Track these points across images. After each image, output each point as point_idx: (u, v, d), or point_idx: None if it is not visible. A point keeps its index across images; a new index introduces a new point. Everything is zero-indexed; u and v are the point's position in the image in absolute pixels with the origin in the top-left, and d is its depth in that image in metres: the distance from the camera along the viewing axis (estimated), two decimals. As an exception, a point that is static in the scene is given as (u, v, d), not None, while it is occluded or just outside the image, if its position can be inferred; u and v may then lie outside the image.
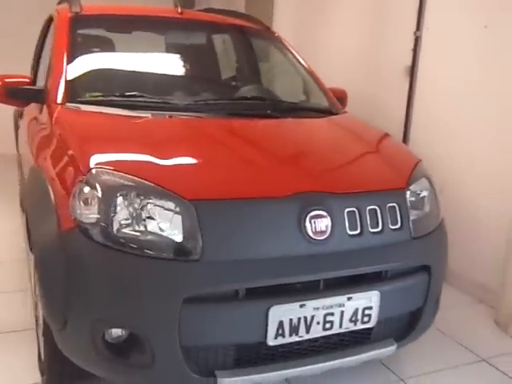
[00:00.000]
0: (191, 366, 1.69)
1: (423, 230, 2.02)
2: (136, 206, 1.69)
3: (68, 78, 2.41)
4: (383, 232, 1.89)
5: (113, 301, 1.66)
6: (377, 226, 1.89)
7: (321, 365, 1.84)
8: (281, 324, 1.71)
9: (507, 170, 2.90)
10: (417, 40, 3.50)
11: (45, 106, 2.44)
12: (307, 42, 3.52)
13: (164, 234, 1.66)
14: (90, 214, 1.70)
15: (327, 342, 1.87)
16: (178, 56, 2.98)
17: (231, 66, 3.12)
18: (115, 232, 1.67)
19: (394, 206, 1.94)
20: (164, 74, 2.79)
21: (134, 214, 1.68)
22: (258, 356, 1.78)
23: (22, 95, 2.51)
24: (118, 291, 1.65)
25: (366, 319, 1.85)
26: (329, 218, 1.80)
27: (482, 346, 2.62)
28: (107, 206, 1.69)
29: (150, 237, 1.66)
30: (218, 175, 1.84)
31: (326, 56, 3.82)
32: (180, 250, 1.65)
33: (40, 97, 2.48)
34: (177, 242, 1.66)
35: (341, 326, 1.82)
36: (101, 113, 2.23)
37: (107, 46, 2.82)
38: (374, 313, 1.86)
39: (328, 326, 1.80)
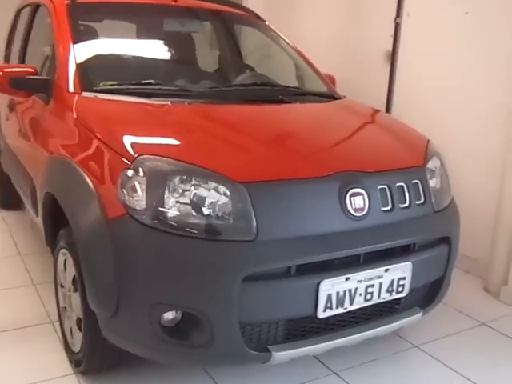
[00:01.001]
0: (247, 342, 1.75)
1: (442, 204, 2.16)
2: (188, 189, 1.72)
3: (79, 67, 2.37)
4: (410, 207, 2.02)
5: (172, 284, 1.69)
6: (404, 202, 2.01)
7: (360, 335, 1.95)
8: (329, 297, 1.80)
9: (491, 150, 3.09)
10: (397, 26, 3.66)
11: (54, 97, 2.40)
12: (284, 28, 3.58)
13: (219, 216, 1.70)
14: (140, 201, 1.72)
15: (364, 313, 1.98)
16: (182, 43, 2.98)
17: (231, 53, 3.16)
18: (168, 216, 1.70)
19: (417, 183, 2.06)
20: (172, 61, 2.80)
21: (187, 198, 1.72)
22: (306, 329, 1.87)
23: (27, 86, 2.46)
24: (177, 274, 1.68)
25: (400, 289, 1.97)
26: (365, 195, 1.90)
27: (479, 312, 2.82)
28: (158, 191, 1.71)
29: (204, 220, 1.70)
30: (260, 157, 1.90)
31: (304, 42, 3.90)
32: (236, 231, 1.70)
33: (46, 87, 2.44)
34: (232, 224, 1.71)
35: (379, 296, 1.93)
36: (123, 101, 2.22)
37: (109, 33, 2.79)
38: (407, 283, 1.98)
39: (368, 297, 1.90)
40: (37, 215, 2.63)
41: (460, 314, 2.81)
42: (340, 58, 4.04)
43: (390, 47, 3.72)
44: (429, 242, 2.07)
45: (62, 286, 2.26)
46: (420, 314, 2.11)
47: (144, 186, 1.73)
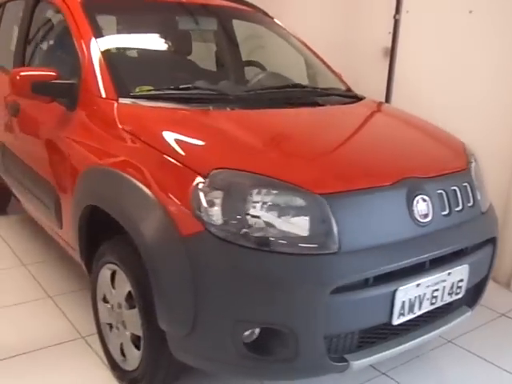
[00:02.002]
0: (328, 354, 1.75)
1: (486, 204, 2.22)
2: (268, 203, 1.68)
3: (110, 71, 2.26)
4: (463, 210, 2.06)
5: (256, 301, 1.66)
6: (458, 205, 2.05)
7: (424, 337, 1.99)
8: (403, 304, 1.82)
9: (496, 148, 3.18)
10: (396, 23, 3.70)
11: (80, 103, 2.28)
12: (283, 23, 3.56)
13: (302, 230, 1.68)
14: (219, 216, 1.67)
15: (424, 316, 2.01)
16: (206, 41, 2.89)
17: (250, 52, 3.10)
18: (250, 231, 1.66)
19: (466, 185, 2.11)
20: (201, 60, 2.71)
21: (268, 213, 1.68)
22: (378, 336, 1.88)
23: (50, 91, 2.32)
24: (262, 290, 1.65)
25: (458, 291, 2.02)
26: (429, 201, 1.93)
27: (495, 303, 2.93)
28: (238, 206, 1.67)
29: (287, 234, 1.67)
30: (331, 167, 1.88)
31: (302, 38, 3.89)
32: (320, 245, 1.68)
33: (71, 92, 2.31)
34: (316, 237, 1.68)
35: (442, 299, 1.97)
36: (169, 109, 2.14)
37: (131, 31, 2.66)
38: (464, 284, 2.03)
39: (433, 301, 1.94)
40: (60, 227, 2.50)
41: (479, 307, 2.91)
42: (337, 55, 4.02)
43: (388, 44, 3.76)
44: (479, 243, 2.13)
45: (106, 302, 2.17)
46: (469, 313, 2.17)
47: (223, 201, 1.68)
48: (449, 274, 1.95)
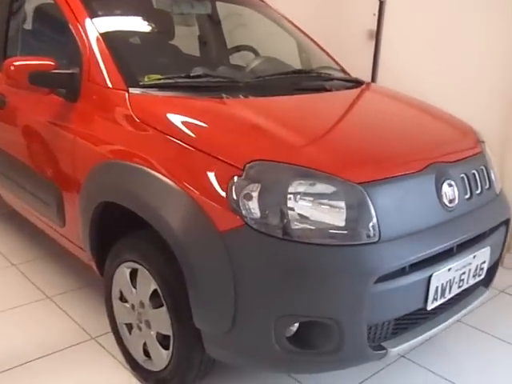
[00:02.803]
0: (369, 343, 1.74)
1: (499, 187, 2.26)
2: (309, 195, 1.65)
3: (116, 59, 2.15)
4: (482, 193, 2.09)
5: (301, 294, 1.62)
6: (477, 189, 2.07)
7: (449, 320, 2.01)
8: (436, 289, 1.83)
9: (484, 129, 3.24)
10: (381, 5, 3.69)
11: (83, 93, 2.16)
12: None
13: (343, 220, 1.65)
14: (259, 210, 1.63)
15: (450, 299, 2.04)
16: (209, 24, 2.78)
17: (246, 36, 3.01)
18: (291, 224, 1.62)
19: (482, 169, 2.14)
20: (205, 44, 2.62)
21: (308, 204, 1.64)
22: (411, 321, 1.89)
23: (49, 81, 2.19)
24: (307, 284, 1.62)
25: (480, 273, 2.05)
26: (455, 186, 1.94)
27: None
28: (279, 199, 1.63)
29: (329, 226, 1.64)
30: (363, 155, 1.85)
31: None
32: (362, 234, 1.66)
33: (72, 82, 2.19)
34: (357, 227, 1.66)
35: (467, 282, 2.00)
36: (186, 98, 2.06)
37: (130, 16, 2.53)
38: (486, 266, 2.07)
39: (461, 284, 1.96)
40: (62, 225, 2.39)
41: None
42: (322, 37, 3.98)
43: (373, 26, 3.75)
44: (497, 224, 2.17)
45: (125, 301, 2.09)
46: (487, 293, 2.22)
47: (261, 194, 1.63)
48: (474, 256, 1.97)
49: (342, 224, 1.65)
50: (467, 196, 2.01)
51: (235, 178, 1.65)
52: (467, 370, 2.30)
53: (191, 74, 2.20)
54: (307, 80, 2.53)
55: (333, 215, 1.65)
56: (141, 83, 2.10)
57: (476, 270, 2.01)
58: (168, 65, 2.34)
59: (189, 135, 1.82)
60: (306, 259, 1.61)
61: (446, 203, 1.89)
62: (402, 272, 1.75)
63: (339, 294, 1.64)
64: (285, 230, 1.62)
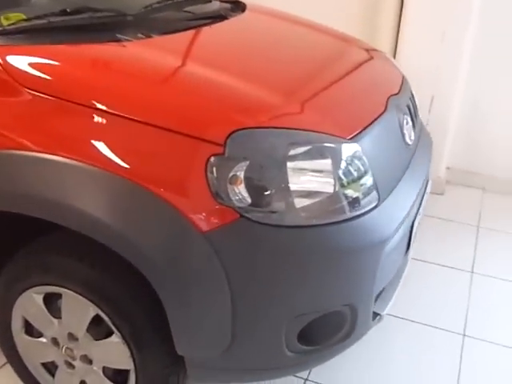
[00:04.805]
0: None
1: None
2: (307, 164, 1.30)
3: None
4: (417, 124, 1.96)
5: (318, 287, 1.32)
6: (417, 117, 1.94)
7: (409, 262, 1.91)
8: (415, 235, 1.70)
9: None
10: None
11: None
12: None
13: (350, 187, 1.34)
14: (246, 194, 1.23)
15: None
16: None
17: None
18: (297, 206, 1.27)
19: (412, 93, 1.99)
20: None
21: (310, 176, 1.30)
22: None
23: None
24: (323, 273, 1.31)
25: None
26: (410, 120, 1.77)
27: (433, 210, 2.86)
28: (277, 176, 1.25)
29: (339, 198, 1.32)
30: (339, 103, 1.53)
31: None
32: (368, 199, 1.38)
33: None
34: (362, 191, 1.36)
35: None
36: (78, 45, 1.45)
37: None
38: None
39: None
40: None
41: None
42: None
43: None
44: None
45: (38, 335, 1.54)
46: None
47: (252, 173, 1.23)
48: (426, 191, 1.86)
49: (355, 195, 1.34)
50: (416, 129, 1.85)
51: (212, 158, 1.21)
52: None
53: (65, 10, 1.55)
54: (193, 5, 2.01)
55: (341, 184, 1.32)
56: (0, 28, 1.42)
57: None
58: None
59: (122, 104, 1.28)
60: (319, 244, 1.29)
61: (408, 141, 1.71)
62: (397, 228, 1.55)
63: (355, 275, 1.38)
64: (288, 214, 1.26)
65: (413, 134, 1.76)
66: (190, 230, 1.21)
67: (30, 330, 1.55)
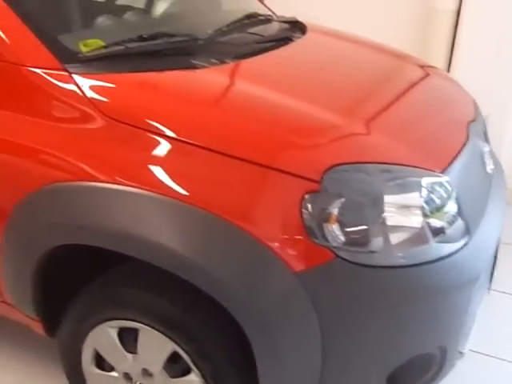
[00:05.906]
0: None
1: None
2: (402, 199, 1.24)
3: (30, 20, 1.37)
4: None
5: (416, 331, 1.27)
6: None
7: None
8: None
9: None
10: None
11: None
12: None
13: (450, 223, 1.28)
14: (343, 233, 1.18)
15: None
16: None
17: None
18: (391, 243, 1.21)
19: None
20: None
21: (405, 211, 1.24)
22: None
23: None
24: (420, 315, 1.26)
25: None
26: (487, 147, 1.70)
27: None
28: (375, 214, 1.19)
29: (434, 233, 1.26)
30: (426, 134, 1.47)
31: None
32: (463, 235, 1.32)
33: None
34: (458, 228, 1.31)
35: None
36: (155, 73, 1.42)
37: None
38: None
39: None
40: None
41: None
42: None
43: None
44: None
45: (110, 369, 1.49)
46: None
47: (350, 211, 1.18)
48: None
49: (448, 226, 1.28)
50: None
51: (308, 196, 1.16)
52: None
53: (144, 36, 1.52)
54: (256, 26, 1.95)
55: (438, 220, 1.27)
56: (80, 55, 1.39)
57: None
58: (100, 22, 1.60)
59: (216, 139, 1.24)
60: (416, 285, 1.23)
61: (489, 170, 1.64)
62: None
63: (448, 316, 1.31)
64: (385, 252, 1.20)
65: (491, 162, 1.69)
66: (282, 269, 1.16)
67: (100, 363, 1.51)
